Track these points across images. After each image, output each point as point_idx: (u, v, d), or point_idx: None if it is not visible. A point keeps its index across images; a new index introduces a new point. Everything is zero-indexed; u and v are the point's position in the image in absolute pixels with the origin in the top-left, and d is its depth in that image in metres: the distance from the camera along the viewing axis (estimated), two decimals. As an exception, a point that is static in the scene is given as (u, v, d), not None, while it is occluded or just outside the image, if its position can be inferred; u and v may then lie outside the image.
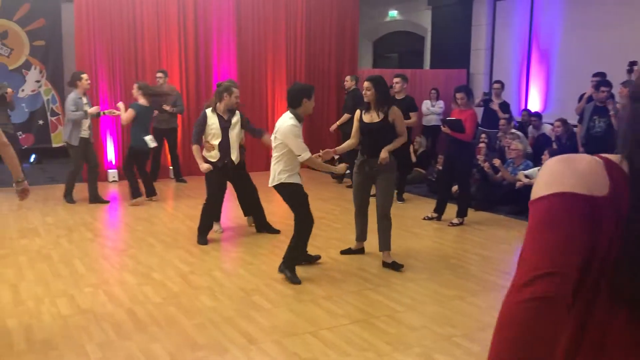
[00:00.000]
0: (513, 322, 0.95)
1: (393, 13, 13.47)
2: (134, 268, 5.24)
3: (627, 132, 1.07)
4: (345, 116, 9.01)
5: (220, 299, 4.51)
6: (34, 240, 6.10)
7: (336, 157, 6.74)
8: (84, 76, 7.62)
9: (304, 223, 5.00)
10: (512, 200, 7.58)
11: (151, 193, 8.04)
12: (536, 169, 7.61)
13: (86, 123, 7.63)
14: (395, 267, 5.27)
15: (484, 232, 6.67)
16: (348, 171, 6.87)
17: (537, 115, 9.73)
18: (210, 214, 6.17)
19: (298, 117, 4.89)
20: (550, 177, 1.07)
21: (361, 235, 5.67)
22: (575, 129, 8.27)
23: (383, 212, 5.35)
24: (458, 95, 6.92)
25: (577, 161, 1.07)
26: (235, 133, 5.97)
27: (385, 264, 5.33)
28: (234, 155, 5.99)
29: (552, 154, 7.46)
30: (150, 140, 7.68)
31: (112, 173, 9.53)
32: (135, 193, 7.80)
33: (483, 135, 9.00)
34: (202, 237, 6.05)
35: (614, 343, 1.04)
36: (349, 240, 5.97)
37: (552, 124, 8.95)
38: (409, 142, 9.06)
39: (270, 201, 6.61)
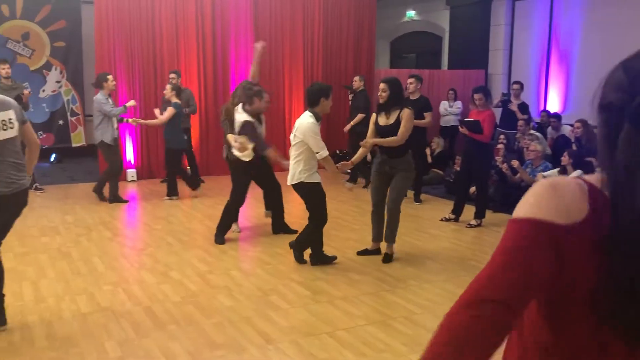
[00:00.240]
0: (451, 336, 0.98)
1: (411, 13, 13.42)
2: (153, 267, 5.28)
3: (600, 151, 1.04)
4: (360, 116, 9.04)
5: (238, 298, 4.54)
6: (54, 238, 6.18)
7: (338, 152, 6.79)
8: (110, 77, 7.78)
9: (318, 222, 5.20)
10: (531, 202, 7.51)
11: (196, 185, 8.41)
12: (555, 170, 7.53)
13: (115, 123, 7.80)
14: (386, 257, 5.48)
15: (501, 234, 6.59)
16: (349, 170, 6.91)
17: (556, 116, 9.64)
18: (234, 214, 6.21)
19: (316, 116, 5.03)
20: (532, 198, 1.05)
21: (377, 236, 5.67)
22: (595, 131, 8.17)
23: (393, 205, 5.46)
24: (476, 96, 6.88)
25: (562, 186, 1.03)
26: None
27: (386, 255, 5.50)
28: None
29: (571, 155, 7.39)
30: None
31: (131, 173, 9.62)
32: (194, 184, 8.35)
33: (502, 136, 8.94)
34: (221, 236, 6.08)
35: None
36: (367, 242, 5.96)
37: (571, 125, 8.86)
38: (425, 144, 9.04)
39: (288, 201, 6.62)
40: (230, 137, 5.91)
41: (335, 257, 5.46)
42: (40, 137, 10.43)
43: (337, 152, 9.98)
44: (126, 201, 8.02)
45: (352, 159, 5.62)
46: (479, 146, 6.76)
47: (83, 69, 11.42)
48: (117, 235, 6.43)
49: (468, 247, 6.08)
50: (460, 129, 7.01)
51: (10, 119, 3.59)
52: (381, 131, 5.39)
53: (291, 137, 5.21)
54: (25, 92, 8.41)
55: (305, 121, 5.01)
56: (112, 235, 6.39)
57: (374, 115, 5.53)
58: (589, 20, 9.97)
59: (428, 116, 7.93)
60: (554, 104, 10.62)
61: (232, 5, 10.20)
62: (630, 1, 9.18)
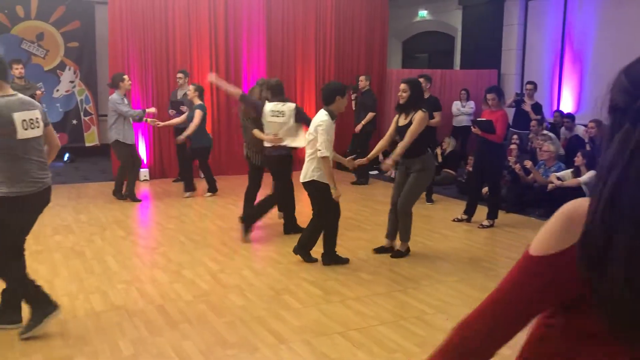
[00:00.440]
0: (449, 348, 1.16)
1: (423, 13, 13.38)
2: (165, 266, 5.31)
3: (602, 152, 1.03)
4: (370, 114, 9.22)
5: (249, 297, 4.55)
6: (68, 237, 6.23)
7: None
8: (126, 77, 7.89)
9: (321, 220, 5.26)
10: (544, 203, 7.46)
11: (213, 189, 8.51)
12: (569, 171, 7.48)
13: (130, 122, 7.89)
14: (396, 253, 5.56)
15: (514, 235, 6.58)
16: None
17: (570, 116, 9.57)
18: (268, 210, 6.33)
19: (331, 114, 5.08)
20: (547, 234, 1.07)
21: (392, 233, 5.71)
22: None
23: (402, 209, 5.51)
24: (489, 96, 6.85)
25: (580, 216, 1.03)
26: None
27: (395, 252, 5.59)
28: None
29: (585, 156, 7.33)
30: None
31: (144, 172, 9.67)
32: (186, 186, 8.41)
33: (515, 137, 8.88)
34: (248, 232, 6.13)
35: None
36: (378, 242, 5.96)
37: (585, 126, 8.80)
38: (436, 143, 9.03)
39: (299, 200, 6.63)
40: (257, 133, 6.11)
41: (347, 260, 5.43)
42: (54, 136, 10.51)
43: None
44: (139, 200, 8.08)
45: (369, 156, 5.73)
46: (491, 146, 6.73)
47: (96, 69, 11.51)
48: (130, 234, 6.47)
49: (480, 248, 6.05)
50: (473, 129, 6.98)
51: (36, 118, 3.67)
52: (399, 131, 5.51)
53: (306, 135, 5.27)
54: (38, 92, 8.50)
55: (319, 118, 5.07)
56: (126, 234, 6.43)
57: (397, 116, 5.61)
58: (603, 19, 9.88)
59: (437, 116, 7.93)
60: (567, 104, 10.55)
61: (245, 6, 10.23)
62: (645, 0, 9.10)
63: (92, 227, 6.64)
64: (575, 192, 7.06)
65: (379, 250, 5.71)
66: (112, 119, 7.77)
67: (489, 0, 11.45)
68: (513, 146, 8.48)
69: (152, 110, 8.30)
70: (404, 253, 5.62)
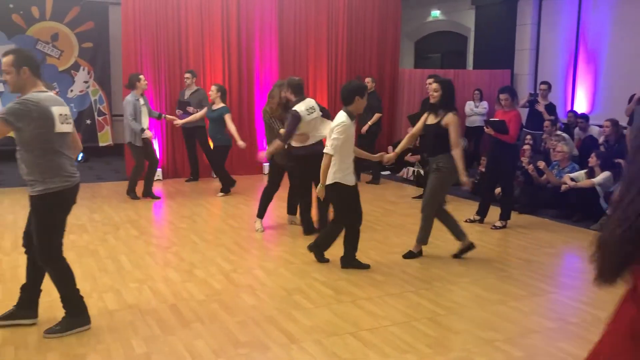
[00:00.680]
0: None
1: (435, 13, 13.34)
2: (178, 265, 5.34)
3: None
4: (377, 115, 9.42)
5: (261, 297, 4.56)
6: (82, 236, 6.28)
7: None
8: (142, 77, 8.00)
9: (343, 224, 5.21)
10: (557, 204, 7.42)
11: (227, 189, 8.57)
12: (583, 172, 7.42)
13: (145, 124, 7.95)
14: (408, 254, 5.56)
15: (527, 236, 6.54)
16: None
17: (584, 116, 9.49)
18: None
19: (350, 115, 5.05)
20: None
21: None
22: (625, 131, 8.03)
23: (423, 209, 5.53)
24: (502, 96, 6.82)
25: None
26: None
27: (408, 252, 5.60)
28: None
29: (599, 157, 7.27)
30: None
31: (157, 172, 9.70)
32: (226, 187, 8.52)
33: (528, 137, 8.83)
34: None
35: None
36: (391, 243, 5.96)
37: (599, 126, 8.72)
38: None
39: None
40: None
41: (368, 266, 5.29)
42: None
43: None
44: (157, 197, 8.22)
45: (396, 150, 5.78)
46: (504, 147, 6.70)
47: (110, 69, 11.60)
48: (143, 233, 6.51)
49: (493, 249, 6.02)
50: (486, 129, 6.95)
51: (68, 115, 3.78)
52: (426, 130, 5.58)
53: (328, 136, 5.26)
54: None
55: (336, 121, 5.04)
56: (139, 233, 6.47)
57: (426, 113, 5.64)
58: (618, 19, 9.79)
59: None
60: (581, 105, 10.47)
61: (257, 6, 10.26)
62: (661, -1, 9.01)
63: (105, 227, 6.69)
64: (589, 193, 7.02)
65: (409, 256, 5.61)
66: (126, 119, 7.86)
67: (502, 0, 11.39)
68: (526, 147, 8.43)
69: (149, 135, 8.17)
70: (415, 254, 5.60)
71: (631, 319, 1.09)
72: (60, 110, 3.69)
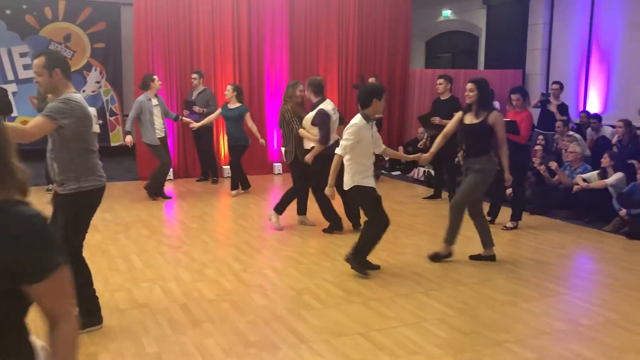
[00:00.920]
0: None
1: (447, 13, 13.30)
2: (188, 265, 5.37)
3: None
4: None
5: (271, 297, 4.57)
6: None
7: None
8: (156, 78, 8.08)
9: (374, 226, 5.09)
10: (569, 205, 7.37)
11: (235, 187, 8.57)
12: (595, 172, 7.36)
13: (159, 123, 7.99)
14: (435, 257, 5.48)
15: (538, 237, 6.51)
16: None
17: (597, 117, 9.42)
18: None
19: (366, 117, 5.00)
20: None
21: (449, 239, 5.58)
22: (638, 132, 7.97)
23: (452, 205, 5.51)
24: (513, 96, 6.79)
25: None
26: None
27: (434, 254, 5.53)
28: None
29: (612, 157, 7.21)
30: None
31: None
32: (242, 185, 8.57)
33: (540, 137, 8.77)
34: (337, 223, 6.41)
35: None
36: (400, 243, 5.94)
37: (612, 127, 8.65)
38: (457, 145, 8.94)
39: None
40: (303, 133, 6.29)
41: (379, 267, 5.27)
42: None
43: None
44: (169, 197, 8.28)
45: (431, 150, 5.69)
46: (516, 147, 6.64)
47: (122, 69, 11.68)
48: (154, 233, 6.54)
49: (504, 250, 5.99)
50: (497, 130, 6.91)
51: (96, 116, 3.84)
52: (465, 130, 5.46)
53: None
54: None
55: (351, 123, 5.01)
56: (150, 233, 6.50)
57: (460, 113, 5.57)
58: (631, 18, 9.71)
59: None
60: (594, 105, 10.39)
61: (268, 8, 10.28)
62: (675, -1, 8.92)
63: (117, 226, 6.74)
64: (601, 194, 6.97)
65: (435, 258, 5.55)
66: (144, 118, 7.92)
67: (514, 0, 11.33)
68: (538, 147, 8.38)
69: (129, 141, 8.07)
70: (441, 256, 5.49)
71: None
72: (93, 111, 3.77)
